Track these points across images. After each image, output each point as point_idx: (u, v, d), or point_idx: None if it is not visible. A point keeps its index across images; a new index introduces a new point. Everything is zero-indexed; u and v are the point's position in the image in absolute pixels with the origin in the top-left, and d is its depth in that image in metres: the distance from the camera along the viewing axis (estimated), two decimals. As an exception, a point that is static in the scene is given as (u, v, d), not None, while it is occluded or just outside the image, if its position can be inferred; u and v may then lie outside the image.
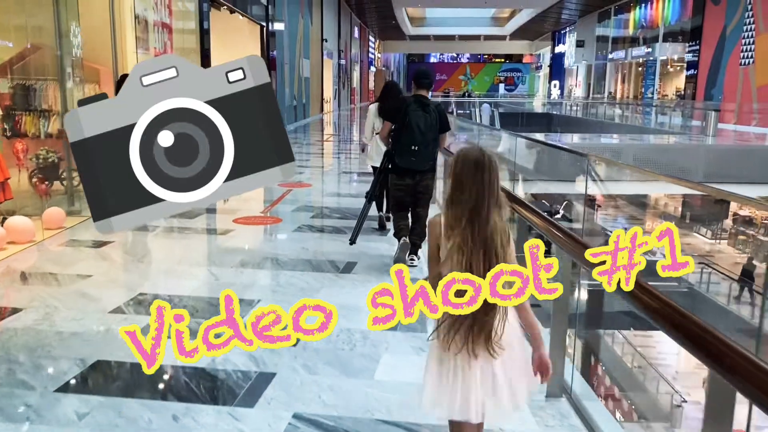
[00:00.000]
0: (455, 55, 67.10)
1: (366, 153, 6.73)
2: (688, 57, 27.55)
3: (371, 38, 50.62)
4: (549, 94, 47.13)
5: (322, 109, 29.43)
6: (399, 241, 5.18)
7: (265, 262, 5.46)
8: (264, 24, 17.54)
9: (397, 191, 5.19)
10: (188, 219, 7.04)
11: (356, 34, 42.08)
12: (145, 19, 9.89)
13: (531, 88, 61.20)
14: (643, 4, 33.33)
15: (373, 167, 6.09)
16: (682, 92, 28.31)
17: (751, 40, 23.22)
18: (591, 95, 38.85)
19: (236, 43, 17.88)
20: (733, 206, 17.44)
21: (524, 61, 65.81)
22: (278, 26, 18.79)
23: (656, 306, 2.00)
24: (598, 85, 39.22)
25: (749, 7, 23.38)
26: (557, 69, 48.05)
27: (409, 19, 47.43)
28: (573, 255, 2.79)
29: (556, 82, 46.79)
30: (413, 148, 4.87)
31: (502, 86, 59.51)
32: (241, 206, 7.82)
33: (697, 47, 26.88)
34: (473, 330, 1.90)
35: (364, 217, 5.51)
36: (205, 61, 11.99)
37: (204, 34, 11.77)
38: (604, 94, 37.86)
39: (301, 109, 23.56)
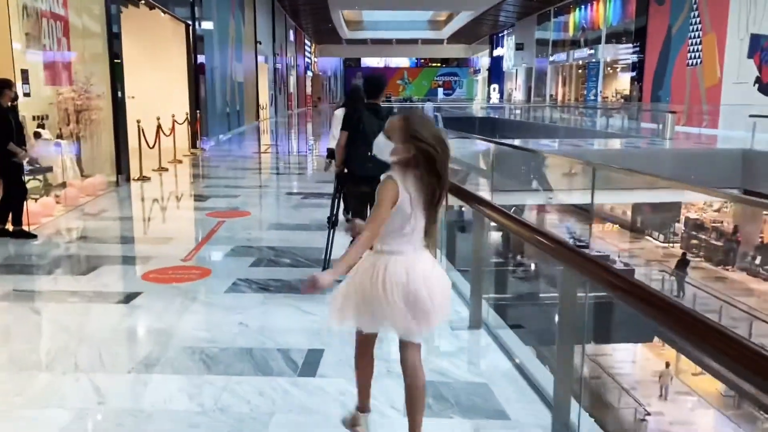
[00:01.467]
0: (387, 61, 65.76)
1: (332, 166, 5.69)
2: (633, 58, 26.83)
3: (307, 42, 48.60)
4: (488, 98, 46.22)
5: (258, 117, 27.30)
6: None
7: (181, 358, 3.55)
8: (190, 23, 15.43)
9: (355, 198, 5.09)
10: (79, 275, 5.07)
11: (292, 37, 40.02)
12: (36, 10, 7.77)
13: (470, 92, 60.43)
14: (583, 6, 32.65)
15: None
16: (628, 94, 27.57)
17: (698, 40, 22.53)
18: (532, 98, 38.01)
19: (157, 44, 15.72)
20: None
21: (460, 65, 65.09)
22: (206, 25, 16.68)
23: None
24: (538, 88, 38.45)
25: (695, 6, 22.70)
26: (496, 72, 47.22)
27: (345, 23, 45.67)
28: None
29: (496, 85, 45.92)
30: (369, 154, 4.05)
31: (440, 90, 58.40)
32: (157, 251, 5.88)
33: (642, 48, 26.19)
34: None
35: (331, 246, 5.15)
36: (116, 68, 9.90)
37: (113, 38, 9.70)
38: (544, 97, 37.09)
39: (235, 117, 21.44)
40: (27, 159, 7.61)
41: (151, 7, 13.63)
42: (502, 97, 44.68)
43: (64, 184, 8.45)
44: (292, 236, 6.43)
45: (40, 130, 7.92)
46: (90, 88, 9.21)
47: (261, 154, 15.47)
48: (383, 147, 2.45)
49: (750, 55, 20.17)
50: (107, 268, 5.27)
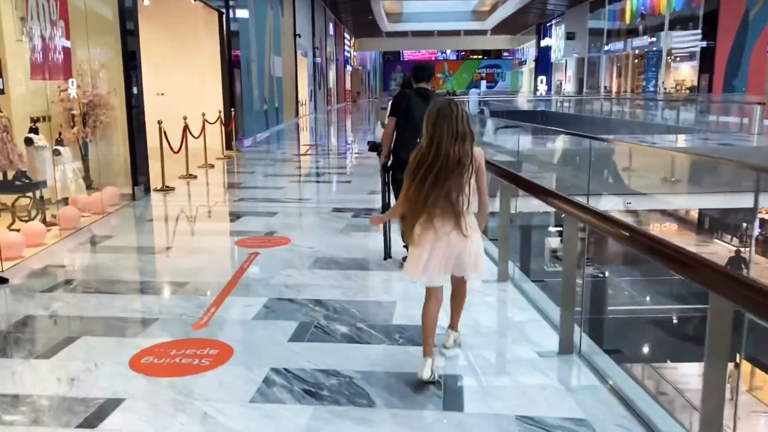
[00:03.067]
0: (432, 54, 63.70)
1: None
2: (701, 45, 24.37)
3: (346, 35, 46.88)
4: (536, 90, 43.83)
5: (297, 113, 25.70)
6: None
7: None
8: (224, 10, 13.81)
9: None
10: (41, 358, 3.41)
11: (331, 30, 38.34)
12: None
13: (514, 84, 58.00)
14: (642, -9, 30.19)
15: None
16: (694, 84, 25.14)
17: (782, 23, 20.08)
18: (584, 90, 35.60)
19: (188, 35, 14.16)
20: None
21: (503, 56, 62.63)
22: (242, 14, 15.03)
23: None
24: (591, 79, 36.00)
25: (778, -14, 20.26)
26: (543, 63, 44.76)
27: (386, 15, 43.79)
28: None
29: (543, 77, 43.48)
30: (418, 140, 4.04)
31: (483, 83, 56.07)
32: (163, 306, 4.20)
33: (713, 35, 23.74)
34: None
35: (389, 243, 5.08)
36: (132, 58, 8.28)
37: (127, 20, 8.05)
38: (597, 89, 34.66)
39: (273, 114, 19.83)
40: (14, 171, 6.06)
41: (179, -7, 12.04)
42: (550, 89, 42.25)
43: (66, 201, 6.88)
44: (346, 281, 4.69)
45: (32, 135, 6.33)
46: (99, 83, 7.62)
47: (301, 156, 13.78)
48: None
49: None
50: (83, 344, 3.59)
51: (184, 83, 14.19)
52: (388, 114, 4.99)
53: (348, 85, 48.52)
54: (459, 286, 3.35)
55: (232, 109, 13.80)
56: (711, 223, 17.44)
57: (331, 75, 38.42)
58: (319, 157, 13.72)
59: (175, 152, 9.44)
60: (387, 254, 5.14)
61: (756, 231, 17.83)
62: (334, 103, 40.15)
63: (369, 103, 50.05)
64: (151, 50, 14.44)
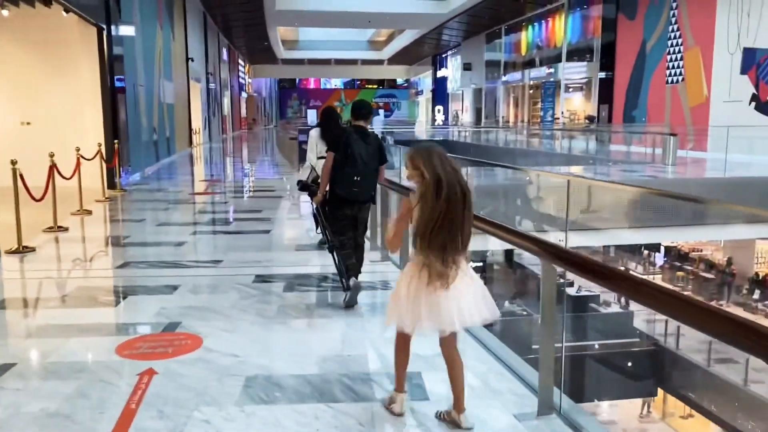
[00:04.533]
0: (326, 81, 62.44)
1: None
2: (601, 76, 24.37)
3: (241, 61, 44.53)
4: (433, 120, 43.37)
5: (191, 143, 23.24)
6: (347, 280, 4.67)
7: None
8: (104, 26, 11.51)
9: (337, 221, 4.82)
10: None
11: (225, 56, 36.00)
12: None
13: (411, 113, 57.64)
14: (536, 24, 30.24)
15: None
16: (591, 115, 25.10)
17: (679, 55, 20.16)
18: (483, 120, 35.32)
19: (60, 52, 11.76)
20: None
21: (398, 86, 62.35)
22: (126, 30, 12.73)
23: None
24: (488, 109, 35.82)
25: (673, 20, 20.36)
26: (440, 93, 44.47)
27: (281, 42, 41.96)
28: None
29: (440, 107, 43.12)
30: (355, 178, 4.63)
31: (382, 112, 55.26)
32: None
33: (611, 66, 23.76)
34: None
35: (342, 267, 4.77)
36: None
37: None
38: (495, 119, 34.46)
39: (164, 145, 17.40)
40: None
41: (47, 2, 9.71)
42: (447, 118, 41.89)
43: None
44: (303, 424, 2.85)
45: None
46: None
47: (201, 194, 11.62)
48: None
49: (744, 71, 17.83)
50: None
51: (57, 111, 11.73)
52: (326, 149, 4.87)
53: (243, 113, 46.04)
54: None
55: (116, 141, 11.46)
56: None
57: (226, 102, 35.99)
58: (222, 197, 11.62)
59: (36, 200, 7.15)
60: (345, 286, 4.71)
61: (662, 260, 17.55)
62: (230, 131, 37.63)
63: (266, 131, 47.73)
64: (13, 70, 11.89)
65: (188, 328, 4.18)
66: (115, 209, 9.67)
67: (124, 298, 4.96)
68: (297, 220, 8.76)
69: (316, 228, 6.55)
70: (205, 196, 11.41)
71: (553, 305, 3.06)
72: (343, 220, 4.78)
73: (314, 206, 5.09)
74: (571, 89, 27.96)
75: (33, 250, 6.53)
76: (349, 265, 4.71)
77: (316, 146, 6.16)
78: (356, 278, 4.67)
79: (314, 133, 6.27)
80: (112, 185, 11.18)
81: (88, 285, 5.35)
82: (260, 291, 5.08)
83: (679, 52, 20.14)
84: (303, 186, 5.40)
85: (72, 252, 6.79)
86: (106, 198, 10.27)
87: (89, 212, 8.91)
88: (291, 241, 7.08)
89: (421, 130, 38.13)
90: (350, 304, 4.59)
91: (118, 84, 11.94)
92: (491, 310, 2.78)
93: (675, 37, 20.31)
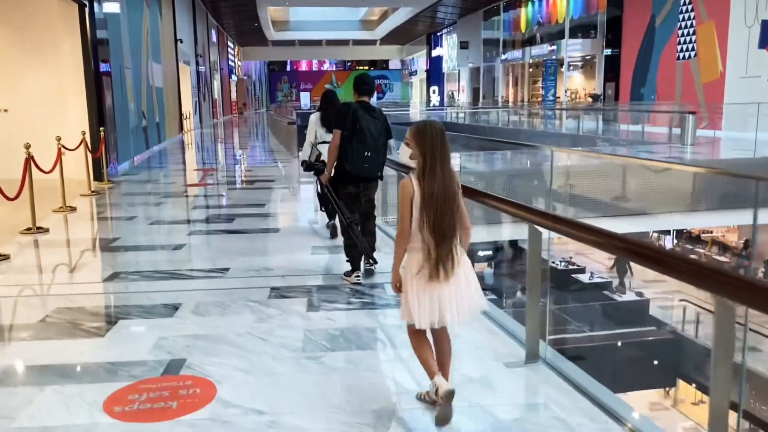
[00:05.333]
0: (317, 63, 61.04)
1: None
2: (606, 53, 23.42)
3: (230, 43, 43.15)
4: (428, 101, 42.29)
5: (181, 129, 22.16)
6: (359, 261, 4.71)
7: None
8: (86, 2, 10.44)
9: (342, 199, 4.74)
10: None
11: (214, 37, 34.72)
12: None
13: (404, 95, 56.45)
14: (537, 0, 29.16)
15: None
16: (601, 93, 24.17)
17: (691, 30, 19.23)
18: (480, 100, 34.31)
19: (38, 31, 10.71)
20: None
21: (390, 67, 61.05)
22: (111, 7, 11.64)
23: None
24: (486, 89, 34.80)
25: (684, -7, 19.42)
26: (435, 74, 43.32)
27: (272, 22, 40.62)
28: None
29: (435, 87, 42.01)
30: (366, 154, 4.49)
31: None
32: None
33: (617, 42, 22.81)
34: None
35: (360, 242, 4.65)
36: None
37: None
38: (493, 99, 33.46)
39: (154, 131, 16.35)
40: None
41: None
42: (442, 99, 40.81)
43: None
44: None
45: None
46: None
47: (196, 186, 10.65)
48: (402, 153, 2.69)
49: (762, 45, 16.94)
50: None
51: (37, 96, 10.70)
52: (334, 126, 4.66)
53: (234, 96, 44.77)
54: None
55: (102, 128, 10.45)
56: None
57: (216, 85, 34.78)
58: (218, 188, 10.65)
59: (10, 199, 6.19)
60: (369, 259, 4.79)
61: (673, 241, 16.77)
62: (221, 116, 36.45)
63: (257, 115, 46.49)
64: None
65: (195, 369, 3.28)
66: (102, 204, 8.69)
67: (114, 323, 4.04)
68: (304, 215, 7.86)
69: (320, 207, 6.57)
70: (201, 188, 10.45)
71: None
72: (346, 199, 4.71)
73: (319, 185, 5.01)
74: (572, 67, 27.02)
75: (7, 257, 5.59)
76: (354, 254, 4.71)
77: (315, 131, 5.98)
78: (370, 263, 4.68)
79: (314, 117, 6.12)
80: (98, 177, 10.20)
81: (70, 306, 4.41)
82: (279, 310, 4.18)
83: (692, 26, 19.21)
84: (308, 166, 5.45)
85: (52, 260, 5.83)
86: (92, 192, 9.29)
87: (73, 209, 7.95)
88: (304, 240, 6.16)
89: (415, 112, 37.08)
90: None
91: (102, 67, 10.90)
92: (481, 301, 2.80)
93: (686, 11, 19.36)
